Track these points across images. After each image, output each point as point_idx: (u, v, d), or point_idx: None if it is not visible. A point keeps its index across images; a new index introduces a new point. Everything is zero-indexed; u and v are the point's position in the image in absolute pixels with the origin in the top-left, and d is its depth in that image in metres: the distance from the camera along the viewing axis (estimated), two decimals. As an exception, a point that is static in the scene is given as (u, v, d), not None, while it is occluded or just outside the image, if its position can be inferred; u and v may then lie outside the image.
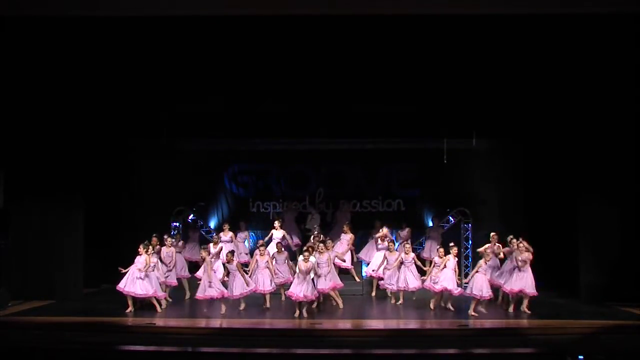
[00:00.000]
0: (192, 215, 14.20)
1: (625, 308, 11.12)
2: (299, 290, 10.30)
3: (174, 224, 13.90)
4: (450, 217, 13.99)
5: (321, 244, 10.97)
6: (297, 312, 10.35)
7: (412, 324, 10.28)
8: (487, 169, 14.31)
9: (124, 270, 10.62)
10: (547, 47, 10.00)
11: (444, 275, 10.75)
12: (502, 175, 14.13)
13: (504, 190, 14.07)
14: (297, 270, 10.52)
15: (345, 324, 10.17)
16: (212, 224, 14.68)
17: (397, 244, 12.64)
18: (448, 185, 14.25)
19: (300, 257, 10.60)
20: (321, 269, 10.76)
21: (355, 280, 12.50)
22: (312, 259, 10.54)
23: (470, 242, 13.64)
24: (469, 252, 13.63)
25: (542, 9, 9.13)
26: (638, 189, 11.49)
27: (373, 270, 12.48)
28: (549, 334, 9.56)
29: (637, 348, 8.63)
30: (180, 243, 12.65)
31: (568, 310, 10.54)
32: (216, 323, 10.16)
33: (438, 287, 10.78)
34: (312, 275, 10.49)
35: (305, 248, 11.03)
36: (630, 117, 11.23)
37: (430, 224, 14.33)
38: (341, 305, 11.18)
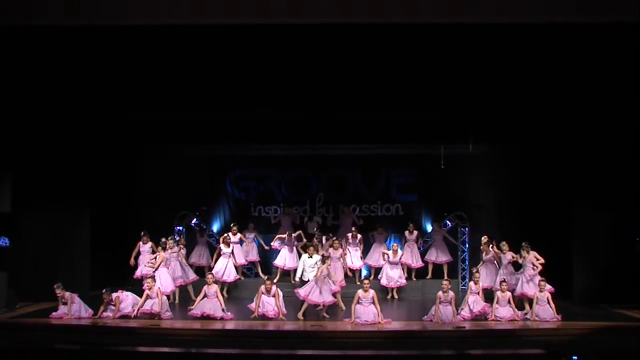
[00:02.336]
0: (195, 220, 14.25)
1: (618, 310, 11.21)
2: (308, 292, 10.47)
3: (178, 227, 13.95)
4: (448, 221, 14.08)
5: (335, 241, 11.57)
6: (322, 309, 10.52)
7: (413, 326, 10.26)
8: (483, 174, 14.44)
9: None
10: (542, 56, 10.04)
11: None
12: (499, 180, 14.25)
13: (500, 195, 14.22)
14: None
15: (346, 326, 10.11)
16: (215, 228, 14.78)
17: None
18: (445, 189, 14.35)
19: (305, 255, 10.84)
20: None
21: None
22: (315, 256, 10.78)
23: (467, 245, 13.69)
24: (465, 255, 13.69)
25: (537, 19, 9.12)
26: (631, 196, 11.55)
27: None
28: (544, 335, 9.62)
29: (630, 349, 8.63)
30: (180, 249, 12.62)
31: (562, 312, 10.52)
32: (220, 325, 10.17)
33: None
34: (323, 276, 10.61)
35: (306, 244, 11.29)
36: (624, 124, 11.33)
37: (430, 228, 14.41)
38: (344, 308, 11.23)
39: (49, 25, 9.34)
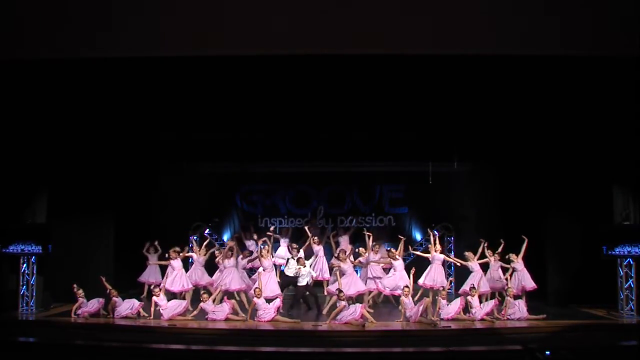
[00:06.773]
0: (207, 230, 14.50)
1: (585, 309, 11.47)
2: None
3: (192, 237, 14.20)
4: (435, 231, 14.26)
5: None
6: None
7: (403, 326, 10.29)
8: (467, 189, 14.62)
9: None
10: (518, 87, 10.12)
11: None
12: (481, 194, 14.40)
13: (482, 208, 14.31)
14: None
15: (342, 326, 10.17)
16: (226, 237, 15.02)
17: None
18: (433, 203, 14.48)
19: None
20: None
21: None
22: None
23: (452, 253, 13.88)
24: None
25: (517, 51, 8.83)
26: (598, 208, 11.67)
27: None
28: (520, 332, 9.89)
29: (596, 344, 8.92)
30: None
31: (537, 312, 10.74)
32: (229, 324, 10.33)
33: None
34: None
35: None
36: (591, 146, 11.43)
37: (419, 237, 14.59)
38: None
39: (81, 58, 9.38)
